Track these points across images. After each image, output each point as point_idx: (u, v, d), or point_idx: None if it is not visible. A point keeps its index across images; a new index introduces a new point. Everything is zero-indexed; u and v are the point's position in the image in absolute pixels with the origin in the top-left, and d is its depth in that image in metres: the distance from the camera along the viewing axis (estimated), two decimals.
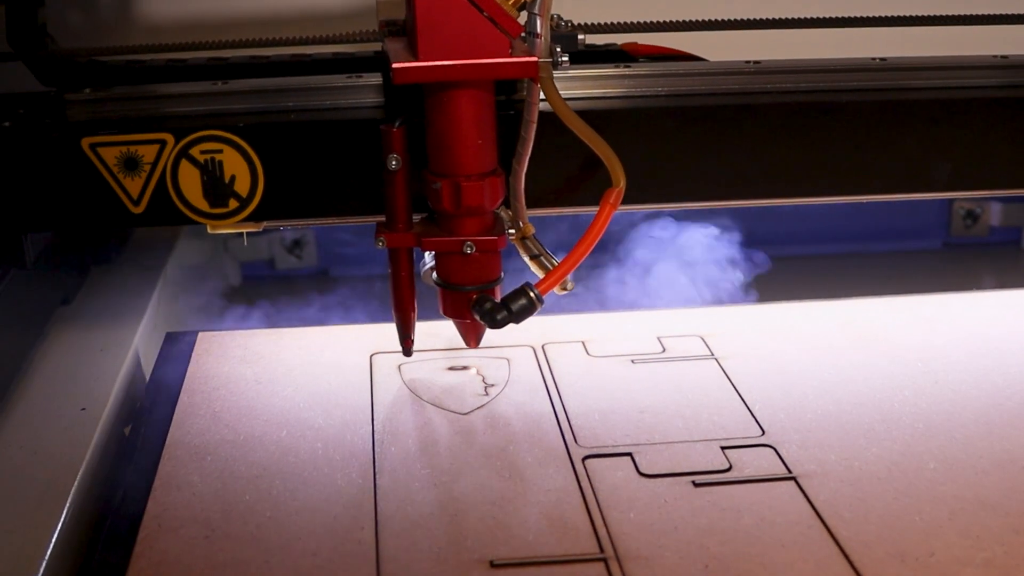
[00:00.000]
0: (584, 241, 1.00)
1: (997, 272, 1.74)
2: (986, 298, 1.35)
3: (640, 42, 1.27)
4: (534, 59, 0.96)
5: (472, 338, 1.11)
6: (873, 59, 1.18)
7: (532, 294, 1.01)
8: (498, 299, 1.05)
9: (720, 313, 1.31)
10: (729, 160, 1.13)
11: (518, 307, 1.01)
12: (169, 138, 1.07)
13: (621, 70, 1.15)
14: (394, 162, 1.02)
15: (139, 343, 1.28)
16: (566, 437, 1.06)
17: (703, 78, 1.15)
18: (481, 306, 1.03)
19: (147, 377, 1.23)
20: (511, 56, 0.96)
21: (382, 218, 1.07)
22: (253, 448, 1.05)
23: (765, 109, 1.13)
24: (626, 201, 1.06)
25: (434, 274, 1.08)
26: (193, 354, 1.23)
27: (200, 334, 1.27)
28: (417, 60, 0.96)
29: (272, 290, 1.72)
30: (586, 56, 1.25)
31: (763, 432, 1.06)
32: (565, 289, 1.04)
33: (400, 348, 1.13)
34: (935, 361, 1.19)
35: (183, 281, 1.56)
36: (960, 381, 1.15)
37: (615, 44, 1.29)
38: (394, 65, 0.95)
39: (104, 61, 1.26)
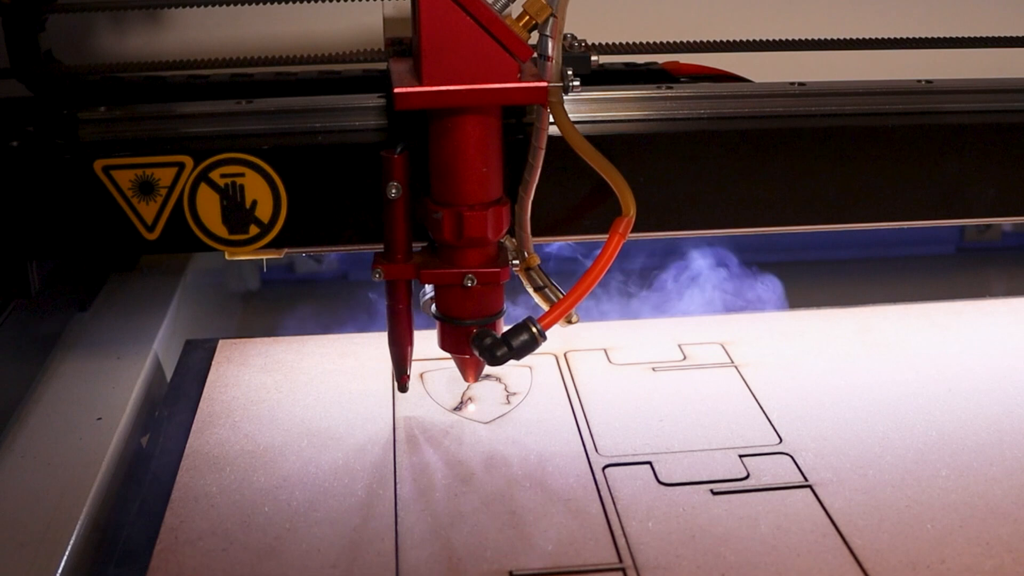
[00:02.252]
0: (591, 272, 0.99)
1: (1009, 277, 1.76)
2: (999, 305, 1.38)
3: (681, 61, 1.27)
4: (543, 84, 0.95)
5: (471, 373, 1.11)
6: (919, 81, 1.18)
7: (534, 329, 1.00)
8: (499, 333, 1.04)
9: (740, 320, 1.35)
10: (773, 185, 1.14)
11: (519, 343, 1.00)
12: (188, 160, 1.06)
13: (663, 91, 1.15)
14: (394, 190, 1.01)
15: (158, 350, 1.31)
16: (587, 446, 1.09)
17: (746, 100, 1.15)
18: (481, 341, 1.02)
19: (166, 385, 1.25)
20: (520, 81, 0.95)
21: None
22: (273, 458, 1.08)
23: (810, 133, 1.13)
24: (668, 227, 1.12)
25: (433, 306, 1.07)
26: (213, 362, 1.25)
27: (220, 342, 1.30)
28: (421, 84, 0.94)
29: (291, 295, 1.73)
30: (626, 75, 1.26)
31: (780, 440, 1.10)
32: (570, 322, 1.06)
33: (397, 383, 1.13)
34: (948, 369, 1.22)
35: (202, 286, 1.58)
36: (972, 389, 1.18)
37: (656, 63, 1.29)
38: (396, 90, 0.94)
39: (122, 78, 1.26)
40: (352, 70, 1.28)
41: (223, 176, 1.06)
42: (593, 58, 1.12)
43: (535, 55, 0.97)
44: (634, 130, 1.12)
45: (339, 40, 1.40)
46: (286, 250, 1.11)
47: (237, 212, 1.08)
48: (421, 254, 1.06)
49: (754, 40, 1.23)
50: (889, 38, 1.25)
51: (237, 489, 1.03)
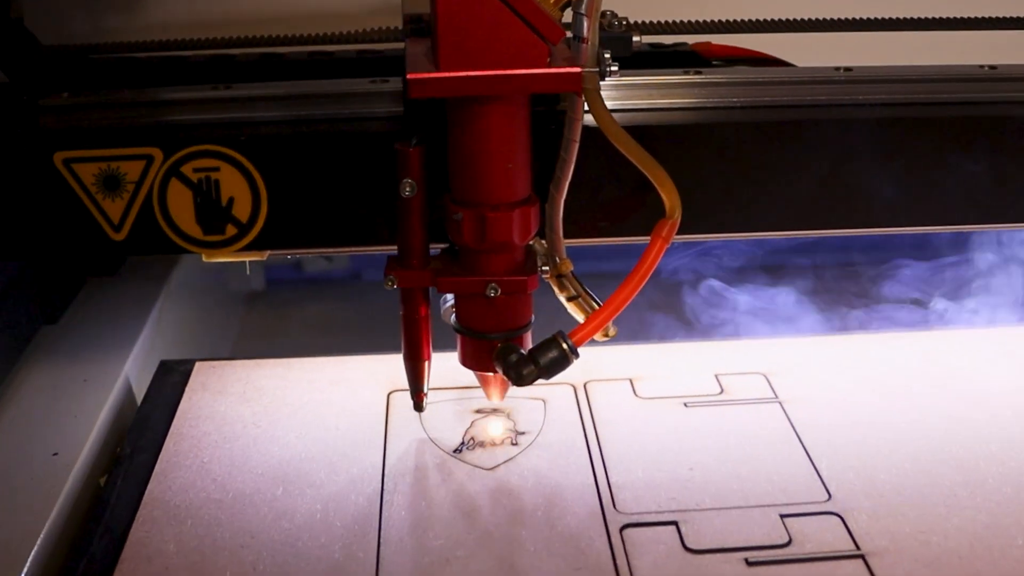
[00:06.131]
0: (631, 281, 0.92)
1: None
2: None
3: (714, 42, 1.20)
4: (577, 70, 0.87)
5: (495, 392, 1.04)
6: (981, 67, 1.10)
7: (565, 346, 0.93)
8: (527, 347, 0.97)
9: (786, 346, 1.23)
10: (815, 184, 1.05)
11: (547, 361, 0.93)
12: (157, 153, 1.00)
13: (691, 77, 1.07)
14: (408, 188, 0.94)
15: (130, 372, 1.22)
16: (603, 501, 0.99)
17: (785, 87, 1.08)
18: (505, 358, 0.95)
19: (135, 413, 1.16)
20: (550, 66, 0.87)
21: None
22: (242, 509, 0.98)
23: (857, 125, 1.05)
24: (697, 230, 1.05)
25: (453, 317, 1.00)
26: (187, 389, 1.16)
27: (197, 364, 1.21)
28: (437, 70, 0.87)
29: (299, 297, 1.68)
30: (651, 58, 1.19)
31: (829, 496, 0.98)
32: (607, 336, 0.97)
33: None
34: None
35: (200, 286, 1.51)
36: None
37: (685, 44, 1.22)
38: (409, 76, 0.87)
39: (93, 58, 1.22)
40: (346, 51, 1.23)
41: (196, 170, 1.01)
42: (635, 38, 1.06)
43: (569, 35, 0.89)
44: (657, 121, 1.04)
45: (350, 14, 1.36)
46: (269, 252, 1.05)
47: (212, 210, 1.02)
48: (439, 259, 1.00)
49: (795, 19, 1.18)
50: (947, 18, 1.20)
51: (197, 548, 0.94)
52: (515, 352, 0.95)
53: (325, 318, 1.65)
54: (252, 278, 1.68)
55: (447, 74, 0.86)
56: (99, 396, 1.15)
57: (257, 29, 1.18)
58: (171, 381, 1.18)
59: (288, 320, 1.65)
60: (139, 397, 1.20)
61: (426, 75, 0.87)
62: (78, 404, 1.14)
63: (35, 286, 1.27)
